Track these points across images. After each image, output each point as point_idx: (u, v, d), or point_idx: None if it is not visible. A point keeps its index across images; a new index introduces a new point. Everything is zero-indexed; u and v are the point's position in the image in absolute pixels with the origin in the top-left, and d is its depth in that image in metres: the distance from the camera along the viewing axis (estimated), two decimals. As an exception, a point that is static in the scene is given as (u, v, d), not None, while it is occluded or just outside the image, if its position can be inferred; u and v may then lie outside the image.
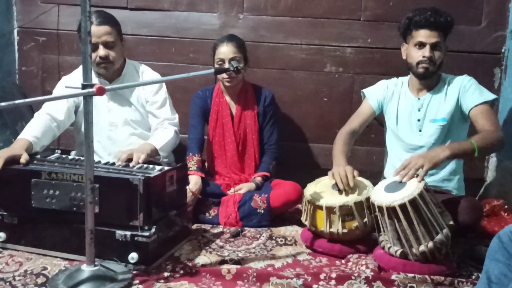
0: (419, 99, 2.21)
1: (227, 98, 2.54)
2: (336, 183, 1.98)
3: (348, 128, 2.26)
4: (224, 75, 2.40)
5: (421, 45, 2.11)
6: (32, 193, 1.81)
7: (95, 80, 2.27)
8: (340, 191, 1.97)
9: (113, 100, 2.33)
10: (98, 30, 2.16)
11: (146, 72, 2.39)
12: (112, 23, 2.23)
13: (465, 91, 2.13)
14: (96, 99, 2.23)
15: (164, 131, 2.30)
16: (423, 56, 2.09)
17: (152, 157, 2.15)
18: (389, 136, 2.34)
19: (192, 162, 2.40)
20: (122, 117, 2.33)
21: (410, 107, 2.23)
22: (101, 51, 2.18)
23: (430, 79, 2.18)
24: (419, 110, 2.20)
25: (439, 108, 2.17)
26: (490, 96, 2.11)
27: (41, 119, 2.18)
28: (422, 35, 2.09)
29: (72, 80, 2.22)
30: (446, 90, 2.18)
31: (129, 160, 1.99)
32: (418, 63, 2.12)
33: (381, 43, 2.79)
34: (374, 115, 2.33)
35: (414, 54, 2.13)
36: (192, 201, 2.26)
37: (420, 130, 2.20)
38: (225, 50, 2.40)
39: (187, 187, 2.25)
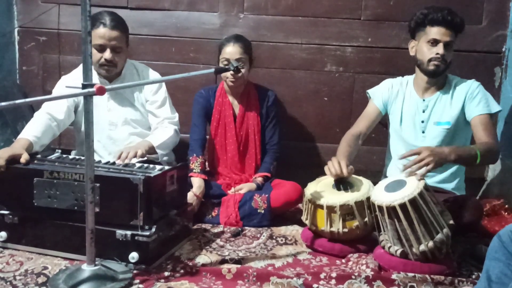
0: (424, 100, 2.20)
1: (230, 98, 2.54)
2: (335, 182, 1.99)
3: (354, 130, 2.25)
4: (229, 75, 2.40)
5: (434, 42, 2.09)
6: (34, 192, 1.82)
7: (95, 79, 2.27)
8: (338, 188, 1.96)
9: (113, 100, 2.33)
10: (110, 34, 2.16)
11: (146, 72, 2.39)
12: (123, 29, 2.23)
13: (472, 98, 2.12)
14: (96, 99, 2.22)
15: (163, 129, 2.31)
16: (437, 54, 2.08)
17: (150, 155, 2.16)
18: (392, 136, 2.33)
19: (196, 163, 2.39)
20: (122, 116, 2.33)
21: (415, 108, 2.22)
22: (108, 54, 2.18)
23: (438, 79, 2.16)
24: (423, 112, 2.20)
25: (444, 111, 2.16)
26: (495, 108, 2.11)
27: (41, 118, 2.19)
28: (437, 32, 2.07)
29: (71, 80, 2.23)
30: (452, 94, 2.17)
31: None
32: (429, 60, 2.10)
33: (381, 42, 2.78)
34: (381, 115, 2.31)
35: (426, 50, 2.11)
36: (196, 204, 2.26)
37: (423, 132, 2.20)
38: (232, 51, 2.39)
39: (191, 190, 2.25)
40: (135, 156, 2.02)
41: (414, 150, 1.85)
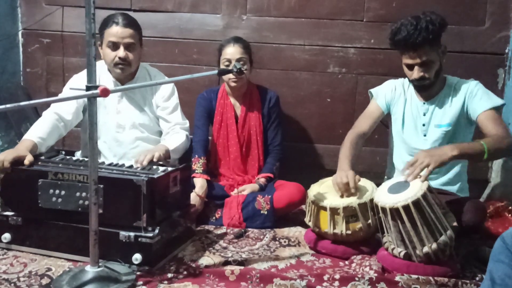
0: (424, 103, 2.20)
1: (232, 100, 2.55)
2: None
3: (357, 130, 2.23)
4: (230, 76, 2.41)
5: (409, 66, 2.07)
6: (39, 193, 1.82)
7: (109, 80, 2.29)
8: (341, 195, 1.96)
9: (123, 102, 2.34)
10: (123, 32, 2.18)
11: (158, 77, 2.40)
12: (136, 27, 2.25)
13: (472, 96, 2.10)
14: (106, 100, 2.26)
15: (175, 135, 2.31)
16: (414, 78, 2.07)
17: (166, 159, 2.16)
18: (394, 139, 2.32)
19: (198, 164, 2.40)
20: (130, 120, 2.34)
21: (416, 111, 2.21)
22: (122, 52, 2.19)
23: (431, 88, 2.15)
24: (424, 115, 2.19)
25: (444, 114, 2.15)
26: (499, 101, 2.08)
27: (48, 118, 2.20)
28: (408, 57, 2.04)
29: (83, 79, 2.23)
30: (452, 96, 2.16)
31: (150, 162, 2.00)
32: (412, 81, 2.12)
33: (384, 43, 2.76)
34: (382, 115, 2.30)
35: (406, 71, 2.12)
36: (200, 204, 2.26)
37: (425, 135, 2.19)
38: (232, 51, 2.41)
39: (194, 191, 2.25)
40: (152, 159, 2.00)
41: (410, 162, 1.84)
